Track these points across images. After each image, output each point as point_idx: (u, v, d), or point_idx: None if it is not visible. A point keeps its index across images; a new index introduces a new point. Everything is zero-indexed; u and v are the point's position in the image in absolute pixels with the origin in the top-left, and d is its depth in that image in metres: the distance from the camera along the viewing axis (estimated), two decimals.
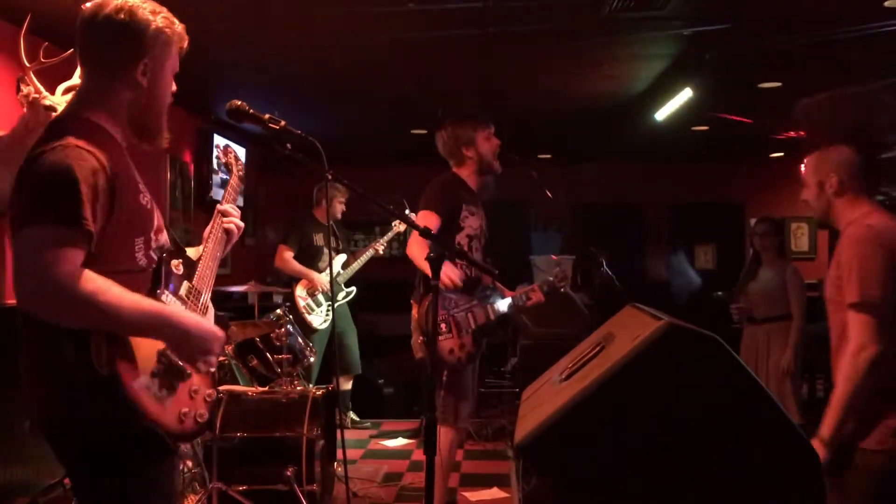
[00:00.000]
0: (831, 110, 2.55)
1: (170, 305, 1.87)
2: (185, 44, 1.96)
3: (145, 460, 1.80)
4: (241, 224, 2.25)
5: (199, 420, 1.88)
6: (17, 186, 1.73)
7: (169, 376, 1.80)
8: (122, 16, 1.82)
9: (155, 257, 1.89)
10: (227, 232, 2.22)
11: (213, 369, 2.00)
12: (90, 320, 1.67)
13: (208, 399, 1.95)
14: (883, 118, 2.48)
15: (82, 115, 1.83)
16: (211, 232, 2.18)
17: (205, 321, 1.91)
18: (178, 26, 1.93)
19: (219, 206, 2.25)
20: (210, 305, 2.09)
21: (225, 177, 7.16)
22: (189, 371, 1.86)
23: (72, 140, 1.72)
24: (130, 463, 1.77)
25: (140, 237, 1.83)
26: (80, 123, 1.80)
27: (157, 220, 1.92)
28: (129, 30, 1.83)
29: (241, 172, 2.45)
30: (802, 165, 2.57)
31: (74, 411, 1.72)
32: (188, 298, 1.97)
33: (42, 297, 1.64)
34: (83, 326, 1.68)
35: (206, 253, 2.12)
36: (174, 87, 1.99)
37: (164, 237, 1.95)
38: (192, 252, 2.13)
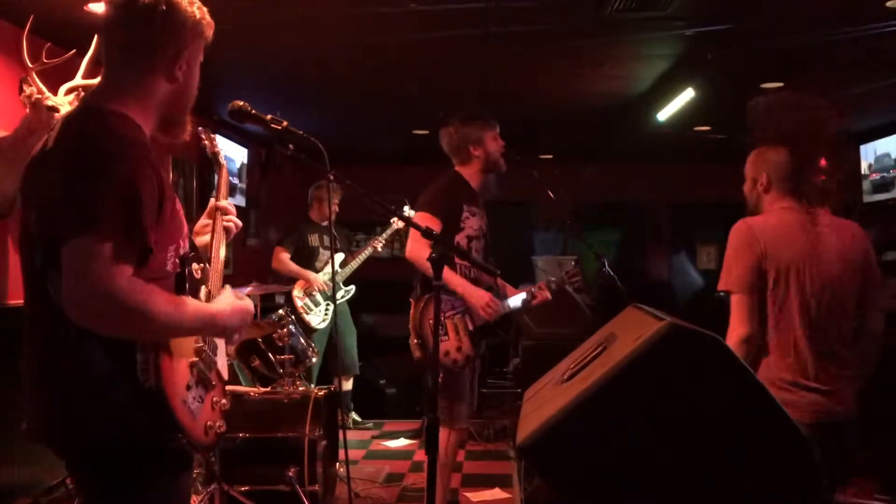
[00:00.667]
0: (777, 112, 2.65)
1: (212, 304, 1.87)
2: (210, 35, 1.88)
3: (172, 472, 1.78)
4: (240, 223, 2.22)
5: (218, 431, 1.88)
6: (66, 185, 1.60)
7: (199, 389, 1.80)
8: (163, 6, 1.73)
9: (179, 262, 1.84)
10: (227, 230, 2.18)
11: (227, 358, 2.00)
12: (145, 330, 1.63)
13: (223, 409, 1.94)
14: (823, 131, 2.60)
15: (114, 109, 1.72)
16: (213, 231, 2.14)
17: (238, 302, 1.88)
18: (208, 17, 1.86)
19: (217, 203, 2.18)
20: None
21: (233, 180, 7.18)
22: (214, 382, 1.87)
23: (128, 143, 1.65)
24: (157, 475, 1.74)
25: (173, 245, 1.78)
26: (118, 119, 1.70)
27: (185, 226, 1.88)
28: (170, 21, 1.75)
29: (224, 162, 2.38)
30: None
31: (114, 427, 1.66)
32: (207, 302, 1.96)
33: (96, 308, 1.57)
34: (136, 336, 1.64)
35: (214, 255, 2.09)
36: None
37: (188, 243, 1.92)
38: None
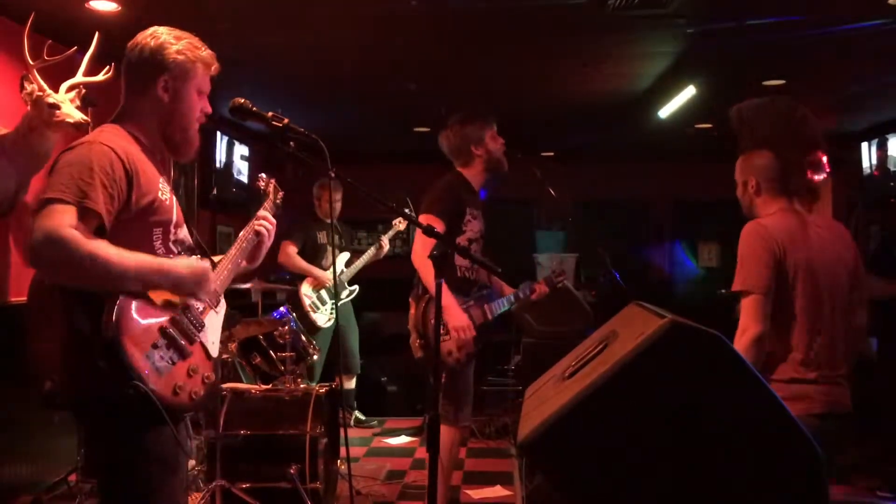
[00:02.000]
0: (752, 118, 2.73)
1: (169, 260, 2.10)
2: (214, 68, 2.23)
3: (140, 425, 1.99)
4: (272, 230, 2.48)
5: (193, 396, 2.07)
6: (50, 174, 1.99)
7: (169, 352, 2.02)
8: (149, 41, 2.15)
9: (175, 250, 2.13)
10: (258, 234, 2.44)
11: (213, 308, 2.24)
12: (90, 274, 1.88)
13: (206, 380, 2.14)
14: (800, 130, 2.66)
15: (115, 125, 2.14)
16: (244, 231, 2.43)
17: (196, 263, 2.13)
18: (204, 51, 2.20)
19: (259, 213, 2.50)
20: (223, 301, 2.31)
21: (238, 177, 7.21)
22: (190, 350, 2.08)
23: (97, 138, 2.02)
24: (134, 422, 1.97)
25: (158, 228, 2.09)
26: (110, 130, 2.11)
27: (177, 215, 2.15)
28: (152, 54, 2.14)
29: (279, 201, 2.69)
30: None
31: (86, 375, 1.95)
32: None
33: (45, 251, 1.85)
34: (85, 282, 1.91)
35: (228, 253, 2.34)
36: (209, 109, 2.23)
37: (184, 232, 2.18)
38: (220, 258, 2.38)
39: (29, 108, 3.70)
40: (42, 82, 3.67)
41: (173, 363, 2.02)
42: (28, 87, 3.68)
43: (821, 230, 2.65)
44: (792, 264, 2.53)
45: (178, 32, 2.19)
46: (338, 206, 5.93)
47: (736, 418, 1.72)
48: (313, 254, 5.80)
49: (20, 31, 3.67)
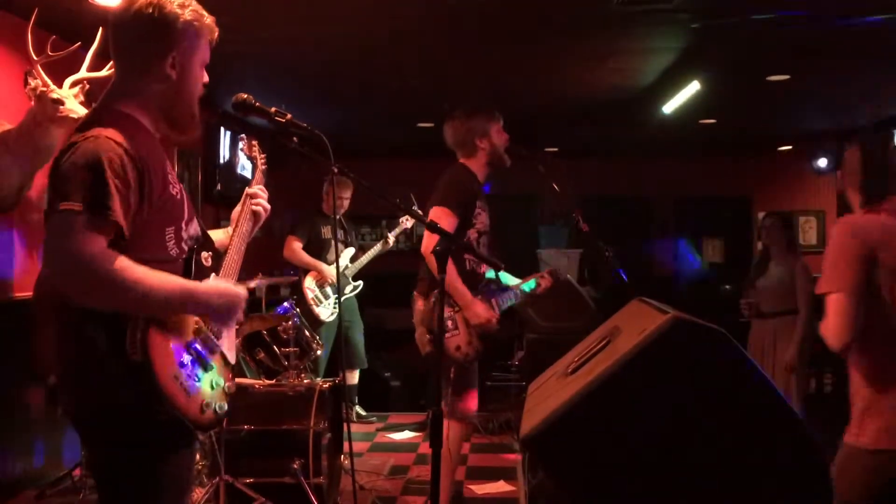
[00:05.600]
0: None
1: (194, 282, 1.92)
2: (216, 35, 2.00)
3: (169, 448, 1.85)
4: (268, 206, 2.29)
5: (218, 411, 1.93)
6: (52, 174, 1.78)
7: (195, 369, 1.87)
8: (151, 10, 1.86)
9: (186, 248, 1.94)
10: (255, 214, 2.27)
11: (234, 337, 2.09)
12: (116, 298, 1.72)
13: (228, 391, 2.00)
14: None
15: (114, 107, 1.89)
16: (240, 215, 2.24)
17: (224, 284, 1.97)
18: (208, 19, 1.96)
19: (247, 189, 2.29)
20: None
21: (242, 173, 7.23)
22: (212, 363, 1.94)
23: (103, 131, 1.77)
24: (154, 450, 1.83)
25: (170, 227, 1.89)
26: (112, 115, 1.86)
27: (188, 210, 1.97)
28: (157, 24, 1.87)
29: (263, 166, 2.51)
30: None
31: (107, 398, 1.77)
32: None
33: (70, 274, 1.69)
34: (110, 305, 1.73)
35: (232, 244, 2.17)
36: (206, 78, 2.02)
37: (195, 228, 2.00)
38: (216, 234, 2.19)
39: (33, 103, 3.71)
40: (46, 78, 3.67)
41: (199, 379, 1.87)
42: (32, 83, 3.68)
43: None
44: (888, 267, 2.19)
45: None
46: (346, 203, 5.95)
47: (739, 414, 1.72)
48: (318, 248, 5.83)
49: (24, 27, 3.67)
